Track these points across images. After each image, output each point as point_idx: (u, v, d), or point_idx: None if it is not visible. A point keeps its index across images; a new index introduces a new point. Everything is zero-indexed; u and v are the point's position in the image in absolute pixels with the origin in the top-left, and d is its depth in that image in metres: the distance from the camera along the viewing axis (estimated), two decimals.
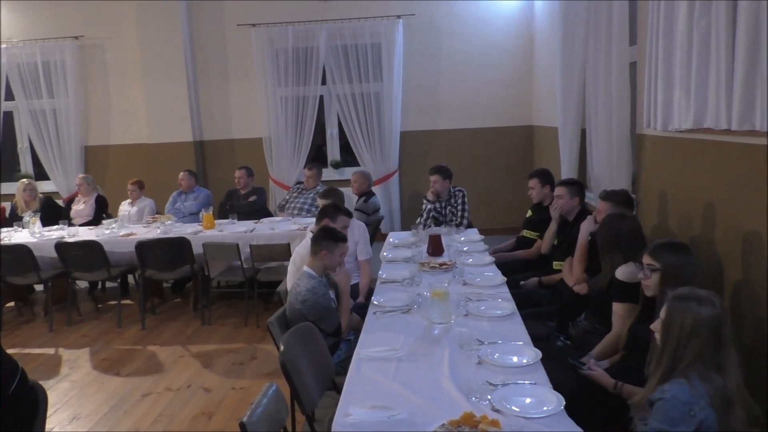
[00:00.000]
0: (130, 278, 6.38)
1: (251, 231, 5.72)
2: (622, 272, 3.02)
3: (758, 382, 2.63)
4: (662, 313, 2.05)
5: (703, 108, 3.11)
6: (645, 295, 2.64)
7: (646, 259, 2.60)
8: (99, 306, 6.22)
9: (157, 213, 6.74)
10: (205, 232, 5.81)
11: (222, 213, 6.66)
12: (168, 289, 6.59)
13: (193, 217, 6.56)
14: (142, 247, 5.44)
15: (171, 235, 5.68)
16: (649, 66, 3.76)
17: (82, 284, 6.42)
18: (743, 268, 2.94)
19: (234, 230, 5.79)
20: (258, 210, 6.62)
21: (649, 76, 3.77)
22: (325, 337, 3.24)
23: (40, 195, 7.03)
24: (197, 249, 5.46)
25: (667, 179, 3.88)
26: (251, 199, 6.71)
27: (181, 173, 6.80)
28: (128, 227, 6.16)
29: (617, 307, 3.00)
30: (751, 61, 2.64)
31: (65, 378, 4.59)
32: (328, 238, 3.40)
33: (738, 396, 1.90)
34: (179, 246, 5.44)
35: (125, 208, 6.76)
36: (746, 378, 2.03)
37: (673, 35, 3.42)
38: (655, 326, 2.10)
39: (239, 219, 6.23)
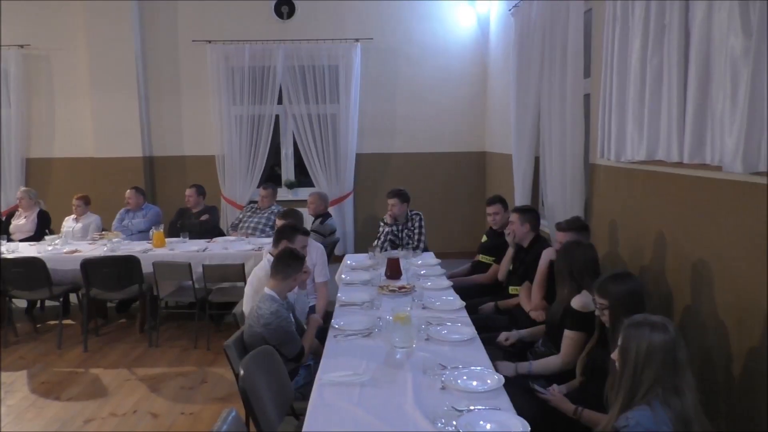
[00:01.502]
0: (72, 297, 6.11)
1: (204, 250, 5.59)
2: (577, 302, 3.08)
3: (709, 403, 2.73)
4: (619, 341, 2.11)
5: (656, 141, 3.25)
6: (602, 323, 2.70)
7: (597, 297, 2.66)
8: (37, 326, 5.93)
9: (104, 230, 6.51)
10: (155, 250, 5.64)
11: (173, 231, 6.49)
12: (112, 309, 6.34)
13: (142, 235, 6.38)
14: (88, 264, 5.22)
15: (119, 252, 5.49)
16: (603, 99, 3.91)
17: (20, 303, 6.11)
18: (691, 295, 3.06)
19: (186, 249, 5.64)
20: (210, 229, 6.49)
21: (603, 109, 3.92)
22: (285, 363, 3.18)
23: None
24: (146, 268, 5.29)
25: (619, 208, 4.02)
26: (203, 217, 6.56)
27: (128, 191, 6.61)
28: (72, 244, 5.92)
29: (568, 334, 3.07)
30: (701, 98, 2.79)
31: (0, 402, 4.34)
32: (298, 260, 3.39)
33: (696, 417, 1.96)
34: (128, 264, 5.25)
35: (69, 224, 6.51)
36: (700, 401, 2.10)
37: (626, 70, 3.58)
38: (615, 354, 2.15)
39: (191, 238, 6.09)
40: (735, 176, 2.54)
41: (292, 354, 3.19)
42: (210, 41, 7.80)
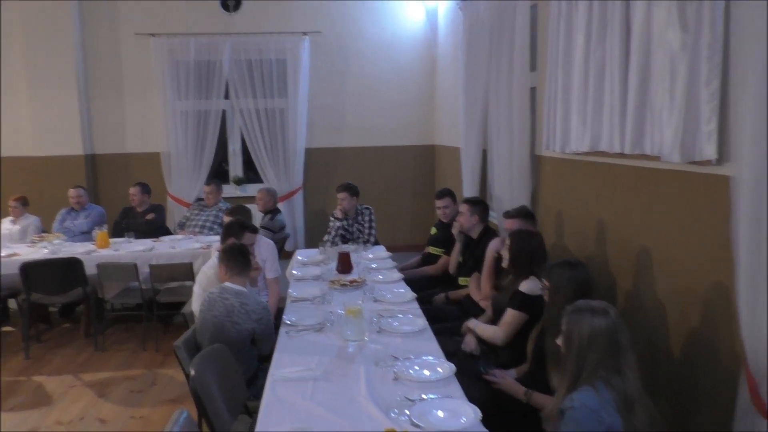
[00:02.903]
0: (12, 302, 5.86)
1: (150, 250, 5.45)
2: (525, 285, 3.17)
3: (652, 384, 2.84)
4: (563, 327, 2.17)
5: (599, 132, 3.35)
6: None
7: (544, 280, 2.78)
8: None
9: (44, 231, 6.26)
10: (99, 251, 5.47)
11: (117, 231, 6.30)
12: (55, 314, 6.11)
13: (85, 236, 6.16)
14: (28, 268, 5.01)
15: (60, 255, 5.29)
16: (549, 92, 4.00)
17: None
18: (634, 281, 3.17)
19: (131, 249, 5.49)
20: (157, 228, 6.34)
21: (549, 101, 4.01)
22: (251, 363, 3.21)
23: None
24: (90, 270, 5.12)
25: (565, 199, 4.13)
26: (149, 216, 6.40)
27: (72, 190, 6.37)
28: (10, 247, 5.67)
29: (509, 313, 3.15)
30: (641, 91, 2.88)
31: None
32: (248, 252, 3.41)
33: (638, 397, 2.04)
34: (70, 267, 5.07)
35: (6, 226, 6.23)
36: (642, 381, 2.18)
37: (571, 64, 3.67)
38: (560, 340, 2.21)
39: (136, 237, 5.93)
40: (673, 166, 2.64)
41: (269, 350, 3.15)
42: (153, 35, 7.59)
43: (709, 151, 2.36)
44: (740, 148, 1.99)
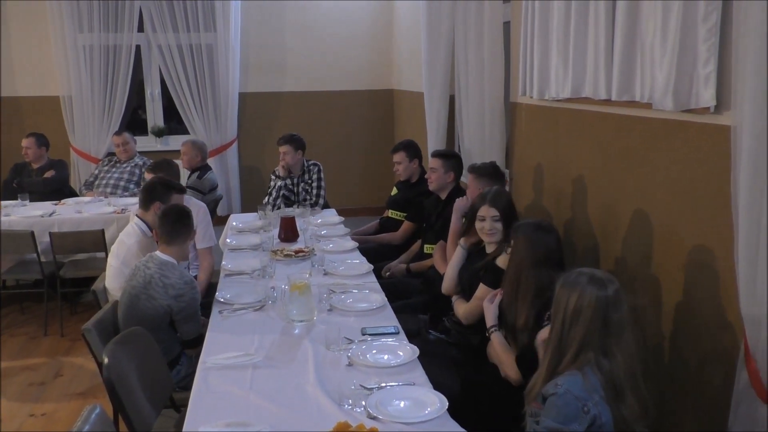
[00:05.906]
0: None
1: (51, 215, 5.36)
2: (502, 260, 3.18)
3: (646, 369, 2.94)
4: (555, 294, 2.21)
5: (582, 76, 3.39)
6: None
7: (511, 239, 2.93)
8: None
9: None
10: None
11: (8, 193, 6.14)
12: None
13: None
14: None
15: None
16: (525, 27, 4.02)
17: None
18: (618, 245, 3.26)
19: (26, 214, 5.39)
20: (58, 188, 6.22)
21: (525, 38, 4.03)
22: (171, 348, 3.20)
23: None
24: None
25: (543, 151, 4.19)
26: (48, 174, 6.26)
27: None
28: None
29: (482, 288, 3.19)
30: (630, 28, 2.92)
31: None
32: (189, 217, 3.39)
33: (629, 384, 2.09)
34: None
35: None
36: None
37: None
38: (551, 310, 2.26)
39: (32, 200, 5.79)
40: (666, 114, 2.70)
41: (192, 335, 3.17)
42: None
43: (707, 97, 2.41)
44: (741, 93, 2.03)
